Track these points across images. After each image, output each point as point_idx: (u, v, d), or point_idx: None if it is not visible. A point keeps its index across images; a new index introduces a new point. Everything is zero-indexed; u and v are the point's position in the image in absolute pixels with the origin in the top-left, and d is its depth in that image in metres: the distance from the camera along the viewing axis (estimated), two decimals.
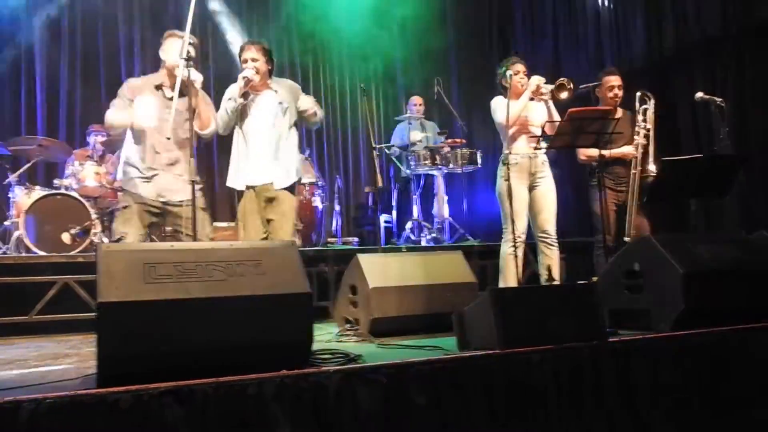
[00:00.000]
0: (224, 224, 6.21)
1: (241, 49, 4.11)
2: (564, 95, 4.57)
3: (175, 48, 3.63)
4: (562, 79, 4.62)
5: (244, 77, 3.93)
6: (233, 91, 4.02)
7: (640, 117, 4.87)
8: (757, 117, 5.68)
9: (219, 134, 4.12)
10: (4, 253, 5.40)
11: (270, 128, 4.08)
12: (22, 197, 5.55)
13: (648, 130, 4.84)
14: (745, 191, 5.20)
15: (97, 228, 5.53)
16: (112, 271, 2.15)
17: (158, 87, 3.85)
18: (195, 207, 3.08)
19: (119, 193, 3.81)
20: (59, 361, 3.04)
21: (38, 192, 5.54)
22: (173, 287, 2.19)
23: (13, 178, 5.80)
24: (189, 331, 2.17)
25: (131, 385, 1.96)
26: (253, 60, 3.99)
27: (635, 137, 4.84)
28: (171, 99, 3.66)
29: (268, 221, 4.10)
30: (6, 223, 5.64)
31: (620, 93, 4.92)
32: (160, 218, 3.86)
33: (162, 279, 2.19)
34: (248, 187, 4.08)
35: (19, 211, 5.44)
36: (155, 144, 3.79)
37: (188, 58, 3.15)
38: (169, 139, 3.30)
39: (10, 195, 5.66)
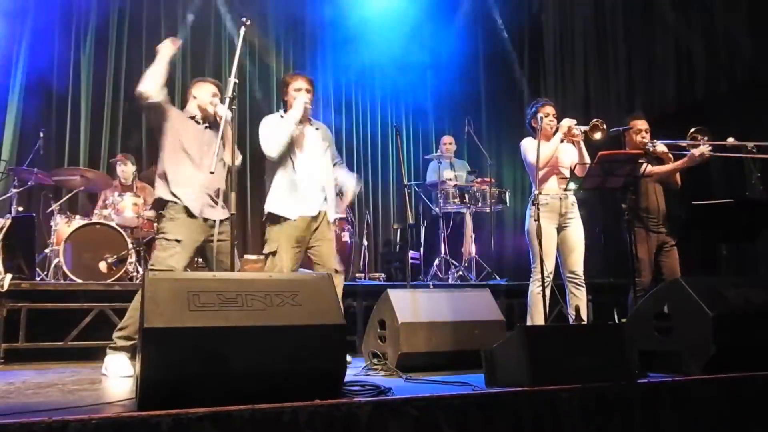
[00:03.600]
0: (254, 257, 6.29)
1: (293, 79, 4.16)
2: (598, 136, 4.61)
3: (206, 89, 3.99)
4: (595, 120, 4.65)
5: (304, 103, 4.01)
6: (293, 116, 4.02)
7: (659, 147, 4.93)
8: None
9: (272, 158, 4.04)
10: (42, 279, 5.55)
11: (320, 161, 4.15)
12: (63, 226, 5.71)
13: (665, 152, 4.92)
14: None
15: (133, 257, 5.67)
16: (157, 299, 2.24)
17: (191, 117, 4.00)
18: (233, 237, 3.17)
19: (169, 204, 3.82)
20: (96, 386, 3.13)
21: (78, 221, 5.69)
22: (215, 315, 2.27)
23: (55, 207, 6.00)
24: (228, 357, 2.24)
25: (171, 409, 2.03)
26: (308, 91, 4.09)
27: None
28: (206, 128, 3.95)
29: (312, 248, 4.06)
30: (46, 250, 5.81)
31: (648, 137, 4.98)
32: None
33: (204, 307, 2.27)
34: (301, 217, 4.00)
35: (59, 239, 5.59)
36: (194, 167, 3.85)
37: (233, 97, 3.28)
38: (212, 172, 3.39)
39: (52, 223, 5.83)
